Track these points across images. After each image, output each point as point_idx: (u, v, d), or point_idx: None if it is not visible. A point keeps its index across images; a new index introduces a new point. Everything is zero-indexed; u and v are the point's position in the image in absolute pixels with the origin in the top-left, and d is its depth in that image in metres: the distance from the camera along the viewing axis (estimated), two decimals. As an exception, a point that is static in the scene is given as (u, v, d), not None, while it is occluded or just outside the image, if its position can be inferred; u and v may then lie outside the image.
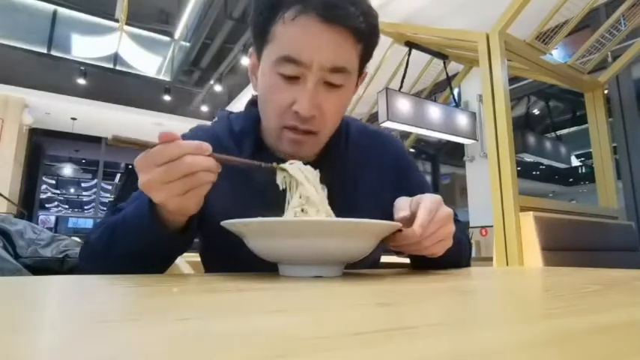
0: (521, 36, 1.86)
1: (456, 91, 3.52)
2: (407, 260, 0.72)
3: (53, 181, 12.83)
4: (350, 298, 0.35)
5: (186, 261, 1.02)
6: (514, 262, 1.50)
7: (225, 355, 0.16)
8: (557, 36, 1.95)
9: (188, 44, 7.02)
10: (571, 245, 1.47)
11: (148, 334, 0.20)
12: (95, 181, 10.81)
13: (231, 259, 0.62)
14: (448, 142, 3.67)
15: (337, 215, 0.53)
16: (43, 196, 12.46)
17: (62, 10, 6.67)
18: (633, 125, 2.74)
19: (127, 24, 6.24)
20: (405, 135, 3.63)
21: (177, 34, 7.29)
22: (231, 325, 0.22)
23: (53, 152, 9.42)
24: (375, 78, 2.96)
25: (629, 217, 2.60)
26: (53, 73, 6.05)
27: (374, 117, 3.60)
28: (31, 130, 6.52)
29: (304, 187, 0.54)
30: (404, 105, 2.93)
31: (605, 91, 2.44)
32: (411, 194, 0.60)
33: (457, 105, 3.51)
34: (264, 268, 0.53)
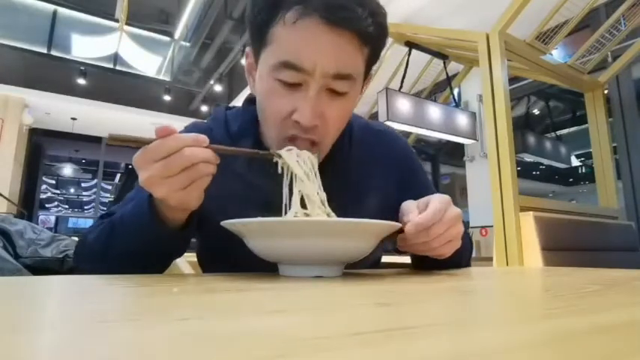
0: (521, 36, 1.86)
1: (456, 91, 3.52)
2: (408, 260, 0.72)
3: (53, 181, 12.83)
4: (350, 298, 0.35)
5: (187, 261, 1.02)
6: (514, 262, 1.50)
7: (225, 355, 0.16)
8: (557, 36, 1.95)
9: (188, 44, 7.04)
10: (571, 245, 1.47)
11: (148, 334, 0.20)
12: (95, 181, 10.82)
13: (230, 259, 0.62)
14: (448, 142, 3.68)
15: (341, 214, 0.53)
16: (43, 196, 12.45)
17: (62, 10, 6.67)
18: (633, 125, 2.74)
19: (127, 24, 6.24)
20: (405, 135, 3.62)
21: (177, 34, 7.28)
22: (231, 325, 0.22)
23: (53, 152, 9.42)
24: (375, 78, 2.94)
25: (629, 217, 2.60)
26: (53, 73, 6.05)
27: (374, 117, 3.59)
28: (31, 130, 6.51)
29: (304, 184, 0.54)
30: (404, 105, 2.93)
31: (605, 91, 2.44)
32: (417, 196, 0.58)
33: (457, 105, 3.51)
34: (264, 268, 0.53)
